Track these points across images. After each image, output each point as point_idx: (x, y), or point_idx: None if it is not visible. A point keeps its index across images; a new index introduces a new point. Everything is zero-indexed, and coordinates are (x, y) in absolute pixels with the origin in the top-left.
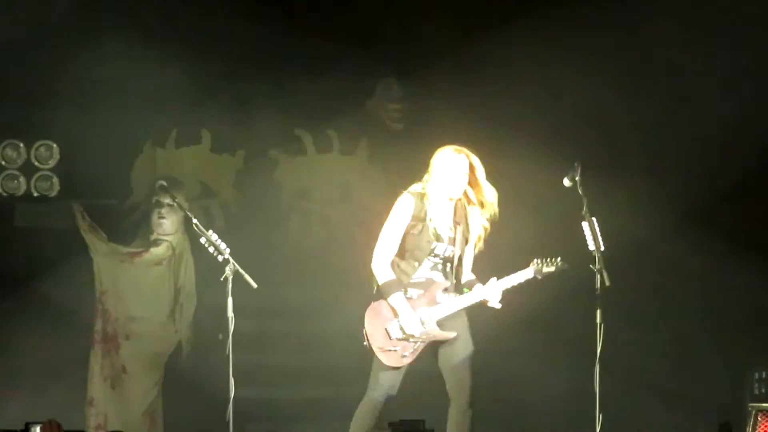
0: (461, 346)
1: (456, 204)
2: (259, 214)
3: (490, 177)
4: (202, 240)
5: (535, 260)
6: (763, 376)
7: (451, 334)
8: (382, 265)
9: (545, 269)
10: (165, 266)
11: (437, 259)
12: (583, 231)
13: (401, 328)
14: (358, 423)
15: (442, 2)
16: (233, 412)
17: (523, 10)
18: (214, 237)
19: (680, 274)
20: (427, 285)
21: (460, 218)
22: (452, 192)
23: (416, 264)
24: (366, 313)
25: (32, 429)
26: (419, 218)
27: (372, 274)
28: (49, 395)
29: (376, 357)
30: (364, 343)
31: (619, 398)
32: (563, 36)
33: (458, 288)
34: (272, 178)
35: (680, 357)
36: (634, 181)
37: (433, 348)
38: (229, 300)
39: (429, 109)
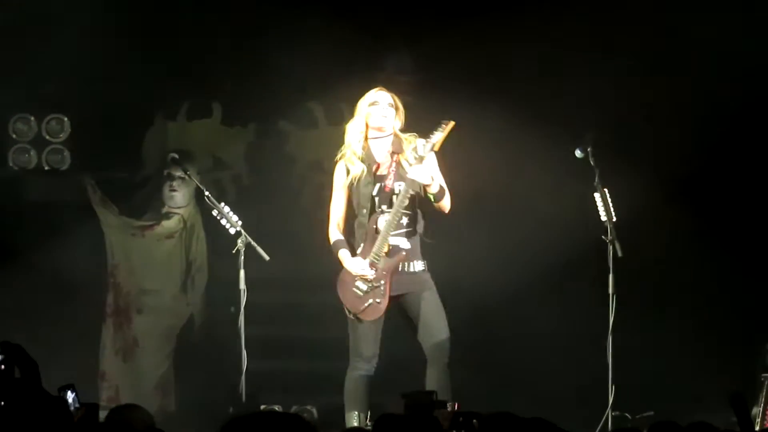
0: (428, 305)
1: (393, 140)
2: (271, 187)
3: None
4: (214, 212)
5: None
6: None
7: (402, 254)
8: (330, 230)
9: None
10: (176, 239)
11: (383, 205)
12: (595, 202)
13: (358, 277)
14: (358, 399)
15: None
16: (246, 384)
17: None
18: (226, 209)
19: (691, 246)
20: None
21: (397, 149)
22: (375, 121)
23: (364, 211)
24: (337, 286)
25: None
26: (354, 173)
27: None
28: (60, 368)
29: (355, 327)
30: (349, 316)
31: (632, 368)
32: (578, 8)
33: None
34: (284, 151)
35: (692, 328)
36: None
37: (402, 312)
38: (242, 272)
39: (439, 81)
